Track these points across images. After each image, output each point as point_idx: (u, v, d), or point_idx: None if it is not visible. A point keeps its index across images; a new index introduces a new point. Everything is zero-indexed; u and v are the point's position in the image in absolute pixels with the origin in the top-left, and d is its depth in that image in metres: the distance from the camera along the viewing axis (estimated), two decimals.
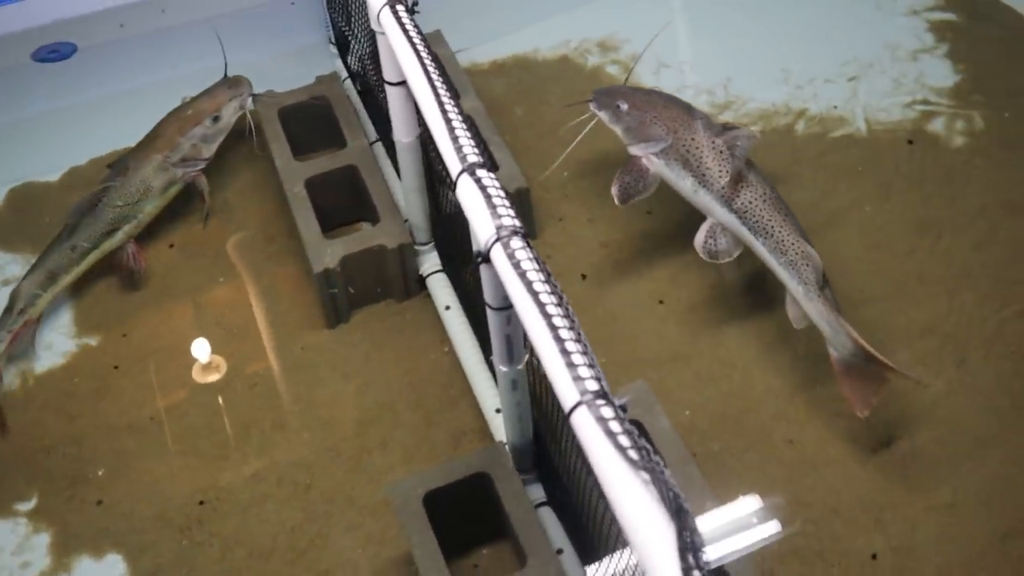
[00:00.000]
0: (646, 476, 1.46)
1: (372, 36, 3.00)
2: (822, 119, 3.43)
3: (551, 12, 3.95)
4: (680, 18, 3.90)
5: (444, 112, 2.09)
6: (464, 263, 2.80)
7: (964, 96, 3.45)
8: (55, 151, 3.47)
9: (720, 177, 2.75)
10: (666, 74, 3.62)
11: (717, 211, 2.77)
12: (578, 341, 1.66)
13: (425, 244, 3.00)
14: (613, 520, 2.06)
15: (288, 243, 3.18)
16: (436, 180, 2.85)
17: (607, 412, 1.55)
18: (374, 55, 3.04)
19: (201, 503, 2.62)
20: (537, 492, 2.46)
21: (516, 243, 1.80)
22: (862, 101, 3.47)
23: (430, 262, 2.99)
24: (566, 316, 1.71)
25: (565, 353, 1.62)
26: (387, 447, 2.68)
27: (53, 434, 2.78)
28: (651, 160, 2.84)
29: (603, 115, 2.93)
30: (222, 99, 3.25)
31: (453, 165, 1.99)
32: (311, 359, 2.89)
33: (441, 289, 2.93)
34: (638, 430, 1.67)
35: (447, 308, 2.88)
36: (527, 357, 2.21)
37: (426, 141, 2.77)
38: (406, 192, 2.89)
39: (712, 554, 2.17)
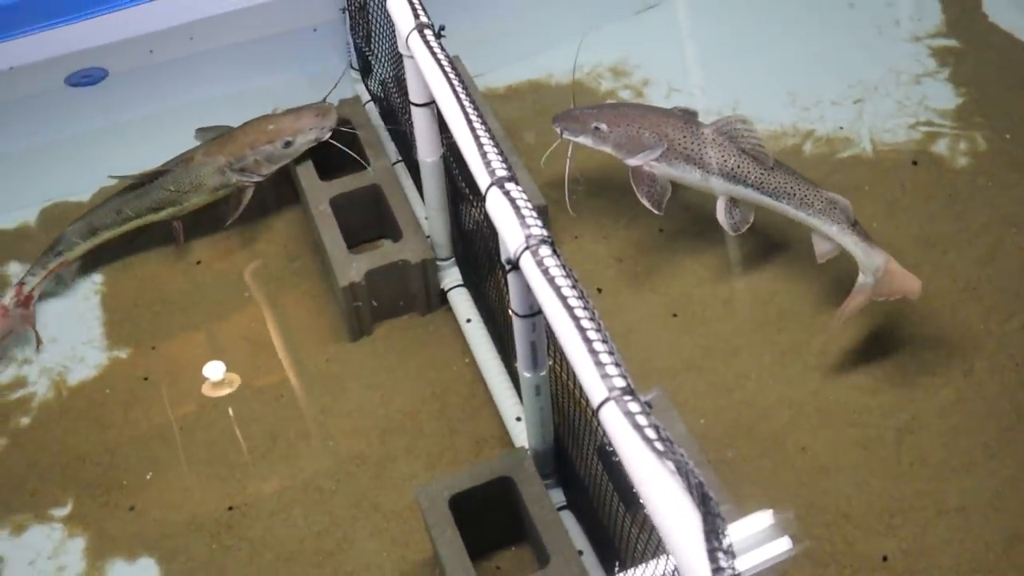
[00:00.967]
0: (672, 466, 1.55)
1: (396, 60, 3.12)
2: (829, 140, 3.53)
3: (565, 38, 4.06)
4: (689, 43, 4.03)
5: (472, 128, 2.20)
6: (484, 278, 2.90)
7: (966, 118, 3.56)
8: (85, 172, 3.57)
9: (726, 160, 2.95)
10: (677, 97, 3.72)
11: (734, 191, 2.98)
12: (605, 342, 1.76)
13: (446, 260, 3.10)
14: (632, 522, 2.16)
15: (312, 260, 3.28)
16: (458, 198, 2.95)
17: (634, 407, 1.64)
18: (398, 78, 3.16)
19: (230, 509, 2.70)
20: (557, 496, 2.55)
21: (544, 251, 1.90)
22: (867, 123, 3.58)
23: (451, 277, 3.09)
24: (593, 319, 1.80)
25: (593, 352, 1.72)
26: (411, 454, 2.76)
27: (86, 443, 2.87)
28: (653, 165, 2.98)
29: (583, 140, 3.08)
30: (303, 125, 3.20)
31: (482, 178, 2.10)
32: (336, 370, 2.98)
33: (462, 303, 3.03)
34: None
35: (468, 321, 2.98)
36: (550, 363, 2.30)
37: (449, 161, 2.88)
38: (429, 210, 2.99)
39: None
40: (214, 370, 2.99)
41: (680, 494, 1.51)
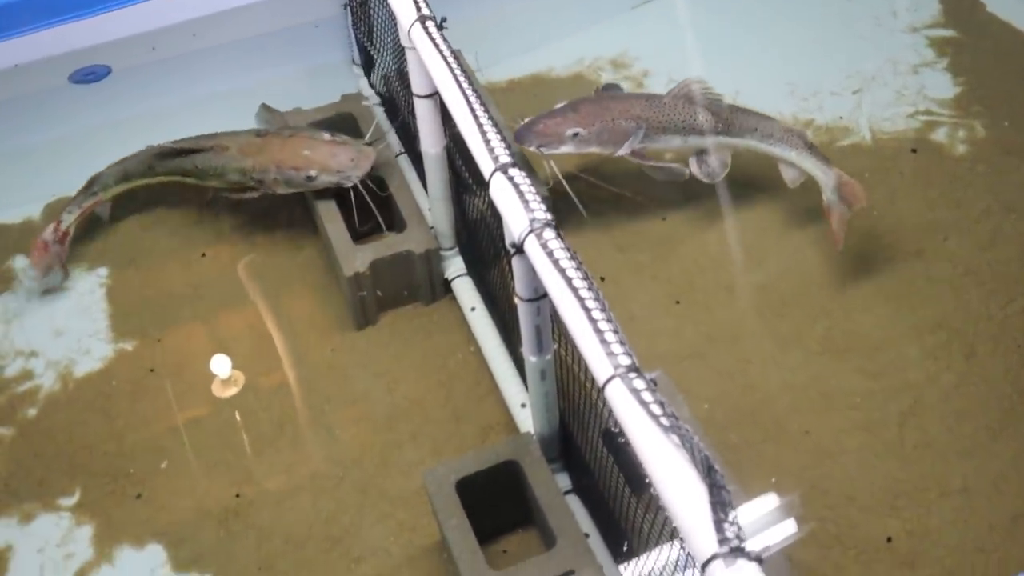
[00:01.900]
0: (677, 440, 1.57)
1: (398, 54, 3.15)
2: (829, 129, 3.55)
3: (566, 32, 4.09)
4: (689, 35, 4.05)
5: (475, 115, 2.22)
6: (488, 266, 2.92)
7: (964, 107, 3.58)
8: (89, 167, 3.57)
9: (694, 118, 3.12)
10: None
11: (709, 142, 3.15)
12: (610, 320, 1.78)
13: (450, 249, 3.12)
14: (639, 505, 2.17)
15: (316, 251, 3.30)
16: (461, 188, 2.98)
17: (639, 384, 1.66)
18: (400, 72, 3.18)
19: (237, 496, 2.72)
20: (563, 481, 2.57)
21: (549, 234, 1.92)
22: (866, 112, 3.60)
23: (455, 266, 3.11)
24: (597, 299, 1.82)
25: (598, 331, 1.74)
26: (417, 441, 2.78)
27: (94, 433, 2.89)
28: (640, 146, 3.09)
29: (565, 150, 3.08)
30: (332, 165, 3.07)
31: (486, 165, 2.12)
32: (341, 359, 3.00)
33: (466, 292, 3.05)
34: None
35: (472, 309, 3.00)
36: (555, 347, 2.32)
37: (451, 151, 2.90)
38: (432, 200, 3.02)
39: None
40: (220, 366, 2.99)
41: (686, 467, 1.53)
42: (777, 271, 3.11)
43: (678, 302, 3.05)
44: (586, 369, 2.09)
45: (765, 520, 2.58)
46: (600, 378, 1.69)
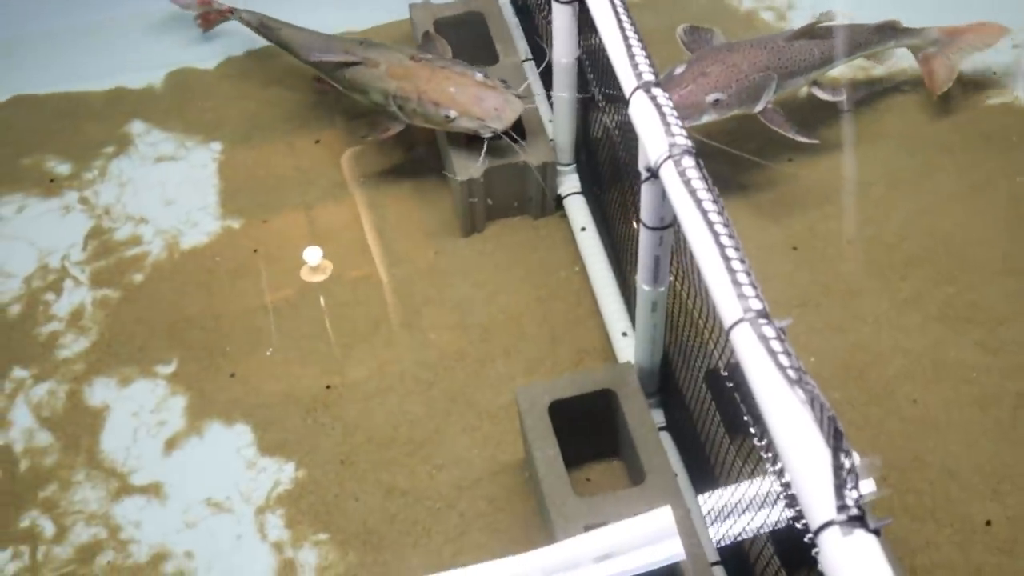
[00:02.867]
0: (803, 395, 1.49)
1: None
2: (977, 83, 3.34)
3: None
4: None
5: (622, 28, 2.11)
6: (605, 187, 2.83)
7: None
8: (214, 40, 3.58)
9: (812, 53, 3.02)
10: None
11: (826, 71, 3.11)
12: (743, 261, 1.69)
13: (567, 165, 3.03)
14: (737, 453, 2.11)
15: (430, 150, 3.24)
16: (587, 102, 2.87)
17: (769, 331, 1.58)
18: None
19: (328, 388, 2.73)
20: (658, 417, 2.51)
21: (688, 161, 1.83)
22: None
23: (570, 183, 3.03)
24: (732, 237, 1.73)
25: (731, 271, 1.65)
26: (511, 356, 2.75)
27: (194, 306, 2.92)
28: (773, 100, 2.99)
29: (707, 118, 2.90)
30: (474, 110, 2.85)
31: (628, 82, 2.02)
32: (444, 264, 2.96)
33: (578, 210, 2.97)
34: None
35: (583, 229, 2.92)
36: (671, 280, 2.24)
37: (583, 63, 2.79)
38: (556, 112, 2.92)
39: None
40: (312, 255, 2.98)
41: (810, 423, 1.45)
42: (905, 228, 2.96)
43: (795, 248, 2.93)
44: (702, 306, 2.02)
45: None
46: (727, 320, 1.61)
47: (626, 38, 2.08)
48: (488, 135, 2.84)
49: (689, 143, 1.86)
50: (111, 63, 3.58)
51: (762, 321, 1.59)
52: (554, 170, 2.97)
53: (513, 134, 2.86)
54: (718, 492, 2.23)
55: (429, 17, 3.33)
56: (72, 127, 3.41)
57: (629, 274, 2.44)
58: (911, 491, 2.45)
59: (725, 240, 1.70)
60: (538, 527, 2.41)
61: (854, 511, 1.35)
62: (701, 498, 2.29)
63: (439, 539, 2.46)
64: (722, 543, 2.21)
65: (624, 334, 2.66)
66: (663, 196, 1.88)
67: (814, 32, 3.03)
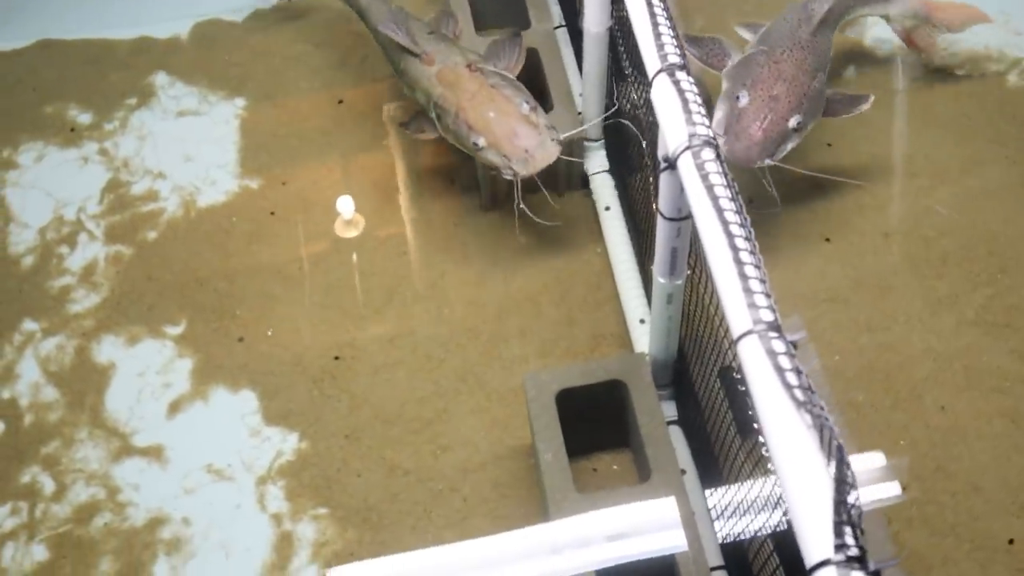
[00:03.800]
0: (809, 420, 1.39)
1: None
2: None
3: None
4: None
5: (650, 4, 1.99)
6: (633, 168, 2.72)
7: None
8: None
9: (828, 37, 2.82)
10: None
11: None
12: (757, 267, 1.59)
13: (595, 141, 2.92)
14: (747, 456, 2.02)
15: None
16: (619, 77, 2.75)
17: (778, 346, 1.48)
18: None
19: (336, 358, 2.67)
20: (669, 410, 2.42)
21: (707, 154, 1.72)
22: None
23: (597, 160, 2.92)
24: (748, 239, 1.63)
25: (744, 277, 1.56)
26: (525, 337, 2.66)
27: (207, 267, 2.87)
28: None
29: (791, 145, 2.63)
30: (508, 147, 2.61)
31: (652, 63, 1.91)
32: (462, 236, 2.88)
33: (604, 189, 2.86)
34: None
35: (607, 209, 2.82)
36: (688, 273, 2.14)
37: (615, 35, 2.67)
38: (586, 85, 2.80)
39: None
40: (346, 206, 2.89)
41: (813, 450, 1.36)
42: (945, 223, 2.82)
43: (828, 240, 2.80)
44: (718, 303, 1.92)
45: (866, 477, 2.39)
46: (735, 330, 1.52)
47: (654, 15, 1.96)
48: (509, 177, 2.61)
49: (710, 133, 1.75)
50: (138, 11, 3.51)
51: (772, 335, 1.49)
52: (581, 146, 2.86)
53: (539, 182, 2.65)
54: (722, 489, 2.16)
55: None
56: (96, 75, 3.35)
57: (649, 261, 2.33)
58: (932, 503, 2.35)
59: (740, 242, 1.60)
60: (542, 516, 2.34)
61: (853, 551, 1.26)
62: (707, 491, 2.21)
63: (440, 522, 2.41)
64: (726, 540, 2.14)
65: (642, 321, 2.57)
66: (680, 187, 1.78)
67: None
